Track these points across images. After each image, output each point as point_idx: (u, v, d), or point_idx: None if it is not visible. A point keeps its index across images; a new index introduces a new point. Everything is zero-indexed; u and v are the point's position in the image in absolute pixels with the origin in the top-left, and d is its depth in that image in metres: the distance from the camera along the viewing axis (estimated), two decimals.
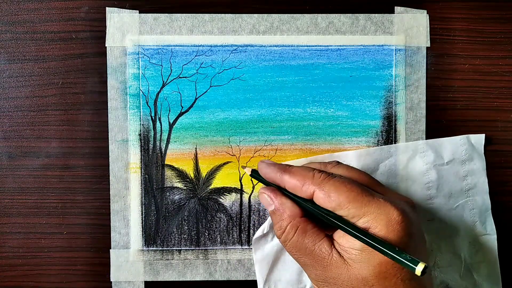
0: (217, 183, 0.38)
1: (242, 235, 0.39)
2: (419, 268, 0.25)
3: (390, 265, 0.27)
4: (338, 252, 0.29)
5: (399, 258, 0.26)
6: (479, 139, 0.38)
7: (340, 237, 0.29)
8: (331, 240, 0.30)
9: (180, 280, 0.38)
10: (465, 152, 0.38)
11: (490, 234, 0.38)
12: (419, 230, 0.30)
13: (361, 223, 0.28)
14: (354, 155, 0.37)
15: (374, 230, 0.27)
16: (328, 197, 0.29)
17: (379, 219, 0.28)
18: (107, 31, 0.38)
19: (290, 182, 0.31)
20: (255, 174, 0.34)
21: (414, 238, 0.28)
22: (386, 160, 0.38)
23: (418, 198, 0.38)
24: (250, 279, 0.39)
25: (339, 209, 0.29)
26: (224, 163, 0.38)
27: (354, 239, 0.28)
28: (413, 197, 0.38)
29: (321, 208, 0.30)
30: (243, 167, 0.36)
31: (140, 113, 0.38)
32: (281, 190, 0.32)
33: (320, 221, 0.31)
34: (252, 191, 0.38)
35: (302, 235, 0.30)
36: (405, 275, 0.27)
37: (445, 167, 0.38)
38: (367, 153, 0.38)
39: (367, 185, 0.31)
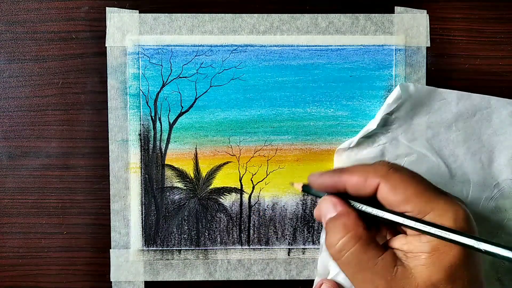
0: (217, 183, 0.38)
1: (242, 235, 0.39)
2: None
3: (460, 266, 0.26)
4: (402, 263, 0.27)
5: (494, 248, 0.24)
6: None
7: (403, 244, 0.27)
8: (392, 252, 0.28)
9: (180, 280, 0.38)
10: None
11: None
12: (476, 231, 0.29)
13: (427, 219, 0.26)
14: (456, 94, 0.37)
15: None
16: (394, 190, 0.27)
17: (446, 216, 0.26)
18: (107, 31, 0.38)
19: (351, 179, 0.28)
20: (306, 188, 0.32)
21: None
22: (484, 110, 0.37)
23: (509, 151, 0.37)
24: (250, 279, 0.39)
25: (405, 204, 0.27)
26: (224, 163, 0.38)
27: (422, 242, 0.26)
28: (504, 151, 0.37)
29: (390, 211, 0.28)
30: (292, 184, 0.33)
31: (140, 113, 0.38)
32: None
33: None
34: (252, 191, 0.38)
35: (364, 247, 0.27)
36: (471, 277, 0.26)
37: None
38: (469, 97, 0.37)
39: (426, 181, 0.29)
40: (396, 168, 0.28)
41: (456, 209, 0.26)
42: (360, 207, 0.29)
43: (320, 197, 0.31)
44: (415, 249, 0.27)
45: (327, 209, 0.29)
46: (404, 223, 0.27)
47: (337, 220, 0.29)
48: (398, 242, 0.28)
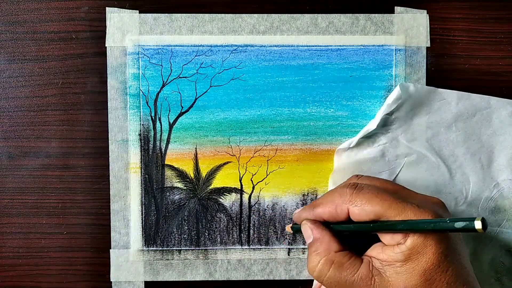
0: (217, 183, 0.38)
1: (242, 235, 0.39)
2: (478, 226, 0.24)
3: (434, 270, 0.27)
4: (379, 272, 0.28)
5: (456, 225, 0.25)
6: None
7: (380, 253, 0.29)
8: (368, 263, 0.29)
9: (180, 280, 0.38)
10: None
11: None
12: None
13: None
14: (455, 95, 0.37)
15: (413, 236, 0.28)
16: (363, 211, 0.29)
17: None
18: (107, 31, 0.38)
19: (324, 212, 0.31)
20: (295, 227, 0.35)
21: (452, 238, 0.29)
22: (484, 110, 0.38)
23: (509, 151, 0.38)
24: (250, 279, 0.39)
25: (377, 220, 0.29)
26: (224, 163, 0.38)
27: (395, 252, 0.28)
28: (503, 151, 0.37)
29: (363, 222, 0.29)
30: (285, 230, 0.38)
31: (140, 113, 0.38)
32: (325, 224, 0.32)
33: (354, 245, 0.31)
34: (252, 191, 0.39)
35: (338, 269, 0.29)
36: (450, 278, 0.27)
37: None
38: (468, 97, 0.37)
39: (394, 191, 0.31)
40: (360, 188, 0.30)
41: (424, 217, 0.28)
42: (332, 226, 0.32)
43: None
44: (389, 259, 0.28)
45: (306, 234, 0.32)
46: (373, 229, 0.29)
47: (312, 246, 0.31)
48: (375, 251, 0.29)
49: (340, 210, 0.30)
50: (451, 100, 0.37)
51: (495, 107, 0.38)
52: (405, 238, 0.28)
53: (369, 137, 0.37)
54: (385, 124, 0.37)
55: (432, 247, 0.27)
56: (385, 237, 0.29)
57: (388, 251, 0.28)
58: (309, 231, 0.32)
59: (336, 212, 0.30)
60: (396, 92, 0.36)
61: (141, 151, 0.38)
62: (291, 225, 0.37)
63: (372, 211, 0.29)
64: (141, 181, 0.38)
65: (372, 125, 0.37)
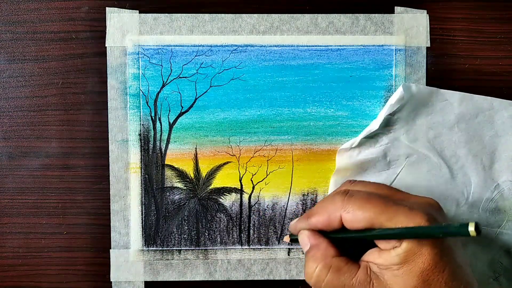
0: (217, 183, 0.38)
1: (242, 235, 0.39)
2: (471, 229, 0.24)
3: (432, 270, 0.27)
4: (377, 276, 0.29)
5: (450, 230, 0.26)
6: None
7: (377, 257, 0.29)
8: (366, 267, 0.29)
9: (180, 280, 0.38)
10: None
11: None
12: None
13: None
14: (458, 95, 0.37)
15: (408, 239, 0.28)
16: (355, 217, 0.29)
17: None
18: (107, 31, 0.38)
19: (318, 221, 0.31)
20: (292, 237, 0.35)
21: (446, 238, 0.29)
22: (486, 111, 0.38)
23: (510, 153, 0.38)
24: (250, 279, 0.39)
25: (370, 226, 0.29)
26: (224, 163, 0.38)
27: (392, 256, 0.28)
28: (505, 152, 0.37)
29: (357, 231, 0.29)
30: (283, 240, 0.38)
31: (140, 113, 0.38)
32: (323, 232, 0.32)
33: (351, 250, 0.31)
34: (252, 191, 0.38)
35: (336, 273, 0.29)
36: (447, 277, 0.27)
37: None
38: (471, 98, 0.37)
39: (387, 195, 0.31)
40: (351, 195, 0.30)
41: (416, 219, 0.28)
42: (330, 234, 0.31)
43: None
44: (386, 262, 0.28)
45: (303, 242, 0.32)
46: (367, 237, 0.29)
47: (309, 253, 0.31)
48: (372, 256, 0.29)
49: (333, 218, 0.30)
50: (454, 101, 0.37)
51: (497, 109, 0.38)
52: (400, 241, 0.28)
53: (371, 137, 0.37)
54: (387, 124, 0.37)
55: (428, 248, 0.27)
56: (381, 242, 0.29)
57: (384, 255, 0.28)
58: (305, 239, 0.32)
59: (330, 220, 0.30)
60: (399, 92, 0.36)
61: (141, 151, 0.38)
62: (288, 236, 0.36)
63: (364, 217, 0.29)
64: (141, 181, 0.38)
65: (374, 125, 0.37)
